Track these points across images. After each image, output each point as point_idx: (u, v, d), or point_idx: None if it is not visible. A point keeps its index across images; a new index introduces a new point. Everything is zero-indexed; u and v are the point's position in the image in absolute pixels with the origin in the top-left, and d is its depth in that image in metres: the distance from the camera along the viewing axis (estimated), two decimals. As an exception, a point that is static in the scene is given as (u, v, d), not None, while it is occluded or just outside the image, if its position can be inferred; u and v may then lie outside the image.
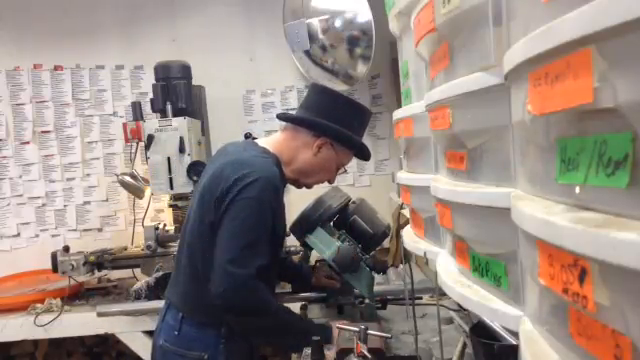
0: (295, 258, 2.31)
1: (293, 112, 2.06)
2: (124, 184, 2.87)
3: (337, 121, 1.75)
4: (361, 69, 2.91)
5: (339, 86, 3.09)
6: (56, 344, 3.05)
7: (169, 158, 2.65)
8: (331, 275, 2.05)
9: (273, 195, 1.62)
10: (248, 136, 2.09)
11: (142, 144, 2.74)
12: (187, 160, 2.65)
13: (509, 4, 0.68)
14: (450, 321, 1.83)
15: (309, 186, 1.86)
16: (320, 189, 2.04)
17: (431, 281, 2.12)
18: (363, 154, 1.85)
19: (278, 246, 1.77)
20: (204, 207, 1.65)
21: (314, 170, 1.79)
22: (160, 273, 2.50)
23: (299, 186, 1.84)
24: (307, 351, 1.48)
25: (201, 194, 1.68)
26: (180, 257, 1.78)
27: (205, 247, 1.64)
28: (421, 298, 2.15)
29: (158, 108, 2.74)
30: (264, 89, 3.32)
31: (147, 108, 2.85)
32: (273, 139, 1.81)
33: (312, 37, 2.96)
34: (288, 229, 1.95)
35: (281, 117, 1.86)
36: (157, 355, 1.77)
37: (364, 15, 2.71)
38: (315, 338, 1.44)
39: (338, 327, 1.54)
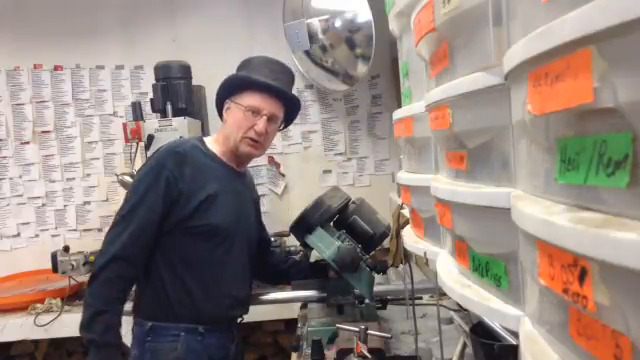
0: (295, 258, 2.29)
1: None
2: (124, 184, 2.87)
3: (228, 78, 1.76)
4: (361, 69, 2.91)
5: (339, 86, 3.09)
6: (56, 344, 3.04)
7: (169, 158, 2.64)
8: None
9: (167, 158, 1.64)
10: None
11: (142, 144, 2.73)
12: (187, 160, 2.64)
13: (509, 4, 0.68)
14: (450, 321, 1.82)
15: (243, 154, 1.75)
16: (320, 190, 2.04)
17: (431, 281, 2.12)
18: (267, 87, 1.71)
19: (207, 211, 1.67)
20: None
21: (226, 131, 1.75)
22: (160, 273, 2.49)
23: (241, 161, 1.80)
24: (307, 351, 1.48)
25: None
26: None
27: None
28: (421, 298, 2.15)
29: (158, 108, 2.74)
30: (264, 89, 3.31)
31: (147, 108, 2.85)
32: None
33: (312, 37, 2.95)
34: (288, 229, 1.95)
35: None
36: None
37: (364, 15, 2.71)
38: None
39: (338, 327, 1.54)
